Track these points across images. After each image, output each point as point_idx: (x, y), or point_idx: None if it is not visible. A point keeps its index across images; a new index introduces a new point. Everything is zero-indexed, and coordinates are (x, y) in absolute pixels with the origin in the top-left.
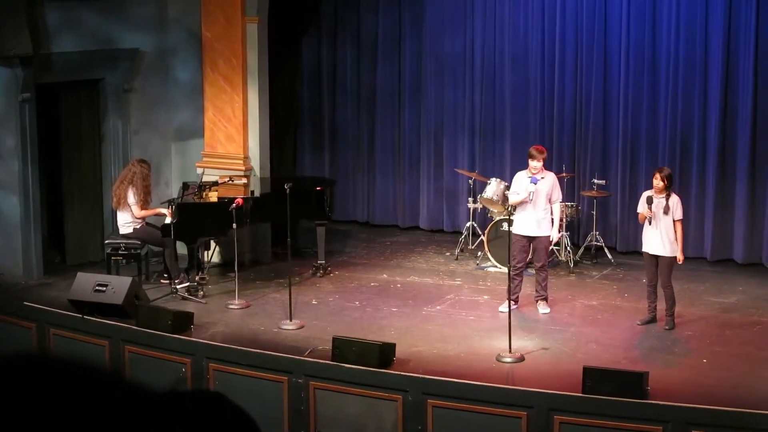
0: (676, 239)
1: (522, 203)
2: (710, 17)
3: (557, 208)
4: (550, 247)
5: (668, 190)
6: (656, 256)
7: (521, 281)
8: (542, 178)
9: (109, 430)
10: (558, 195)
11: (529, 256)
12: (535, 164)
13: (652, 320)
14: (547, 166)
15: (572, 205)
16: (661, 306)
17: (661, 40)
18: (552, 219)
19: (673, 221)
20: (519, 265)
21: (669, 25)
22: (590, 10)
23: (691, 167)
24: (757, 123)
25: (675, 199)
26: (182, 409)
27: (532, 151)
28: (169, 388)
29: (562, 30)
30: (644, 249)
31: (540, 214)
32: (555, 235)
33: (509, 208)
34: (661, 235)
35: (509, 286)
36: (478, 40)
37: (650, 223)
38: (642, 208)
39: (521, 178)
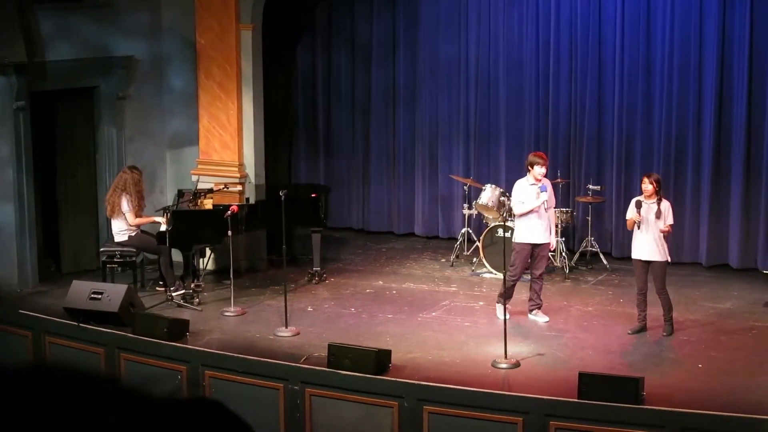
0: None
1: (530, 212)
2: (704, 23)
3: (552, 213)
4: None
5: (659, 194)
6: (648, 263)
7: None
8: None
9: None
10: (553, 201)
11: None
12: (541, 170)
13: (642, 329)
14: None
15: (567, 211)
16: (655, 312)
17: (655, 45)
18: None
19: (664, 225)
20: (520, 273)
21: (663, 30)
22: (585, 15)
23: (685, 173)
24: (751, 128)
25: (667, 205)
26: (180, 416)
27: (536, 158)
28: (167, 394)
29: (557, 36)
30: (635, 256)
31: (545, 221)
32: (554, 241)
33: (505, 215)
34: (654, 239)
35: (507, 291)
36: (472, 47)
37: (639, 228)
38: (631, 213)
39: (524, 186)
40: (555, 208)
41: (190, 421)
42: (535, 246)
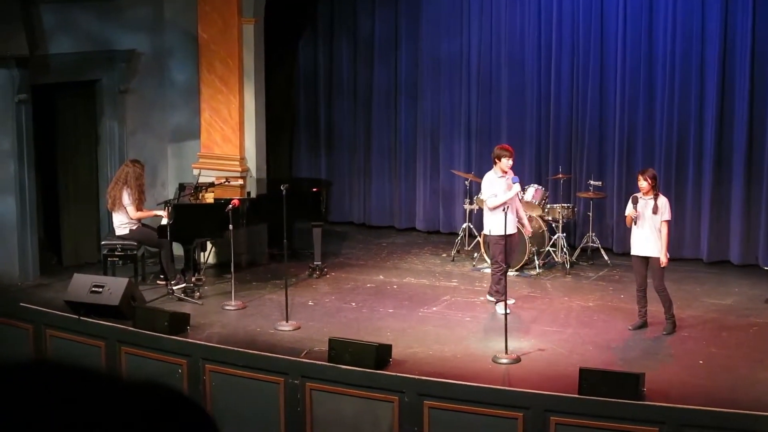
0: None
1: (500, 205)
2: (707, 18)
3: (520, 204)
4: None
5: (655, 190)
6: (647, 258)
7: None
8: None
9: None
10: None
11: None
12: (509, 162)
13: (643, 325)
14: (543, 167)
15: (568, 207)
16: (656, 308)
17: (657, 41)
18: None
19: (660, 221)
20: (504, 265)
21: (665, 26)
22: (586, 11)
23: (687, 169)
24: (753, 124)
25: (663, 200)
26: (130, 401)
27: (503, 151)
28: (109, 373)
29: (559, 31)
30: (633, 252)
31: (515, 213)
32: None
33: (506, 210)
34: (652, 235)
35: (500, 287)
36: (474, 42)
37: (636, 224)
38: (629, 210)
39: (494, 179)
40: (556, 203)
41: (130, 406)
42: (507, 237)
